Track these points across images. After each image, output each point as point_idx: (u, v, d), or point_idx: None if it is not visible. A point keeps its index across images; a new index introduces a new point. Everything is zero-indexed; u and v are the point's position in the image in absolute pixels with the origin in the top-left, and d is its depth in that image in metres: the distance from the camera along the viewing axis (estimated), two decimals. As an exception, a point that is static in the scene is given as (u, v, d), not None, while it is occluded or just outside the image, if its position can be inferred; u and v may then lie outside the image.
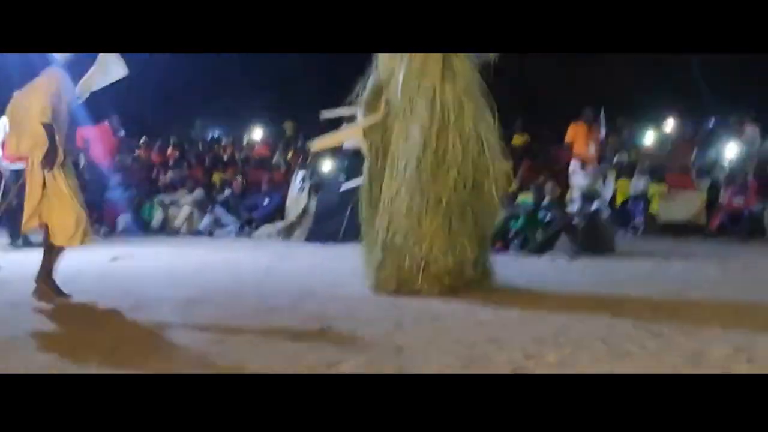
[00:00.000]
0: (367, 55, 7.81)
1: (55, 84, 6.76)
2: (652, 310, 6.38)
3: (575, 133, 14.02)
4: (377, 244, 7.50)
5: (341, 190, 11.90)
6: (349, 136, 8.27)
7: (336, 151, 14.24)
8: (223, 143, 19.38)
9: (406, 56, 7.52)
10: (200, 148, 18.76)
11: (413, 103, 7.47)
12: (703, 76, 19.31)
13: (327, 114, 8.44)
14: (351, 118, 8.27)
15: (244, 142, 19.27)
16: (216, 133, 21.16)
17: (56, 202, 6.76)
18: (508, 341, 5.14)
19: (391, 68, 7.67)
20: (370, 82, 7.85)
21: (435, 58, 7.46)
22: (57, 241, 6.81)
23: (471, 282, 7.38)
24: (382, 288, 7.34)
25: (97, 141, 14.93)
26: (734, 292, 7.58)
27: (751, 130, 17.70)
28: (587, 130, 13.90)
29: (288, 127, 18.95)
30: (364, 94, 7.87)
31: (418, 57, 7.48)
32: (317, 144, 8.97)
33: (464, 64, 7.57)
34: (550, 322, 5.85)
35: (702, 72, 19.15)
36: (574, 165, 13.80)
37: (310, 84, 19.38)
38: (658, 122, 19.22)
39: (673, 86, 19.09)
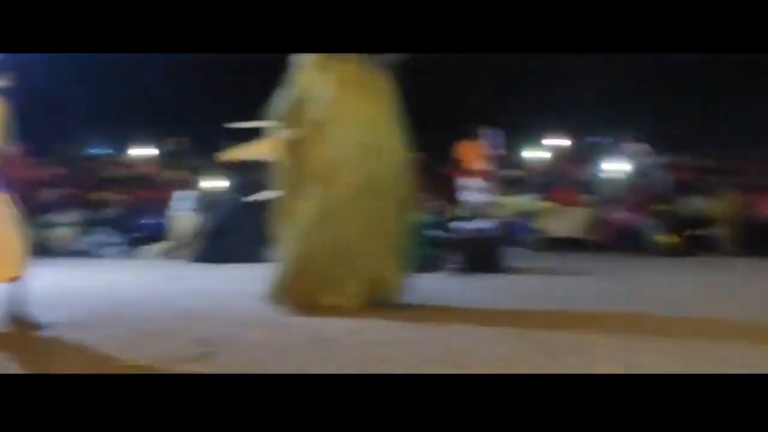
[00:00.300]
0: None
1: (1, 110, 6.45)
2: (542, 326, 6.39)
3: (465, 150, 13.96)
4: (294, 261, 7.43)
5: (249, 201, 11.75)
6: (266, 149, 8.13)
7: (226, 169, 14.07)
8: (107, 160, 18.94)
9: (326, 73, 7.50)
10: (84, 166, 18.28)
11: (336, 122, 7.46)
12: (592, 94, 19.68)
13: (237, 125, 8.30)
14: (257, 131, 8.18)
15: (130, 160, 18.87)
16: (100, 151, 20.65)
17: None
18: (397, 362, 5.05)
19: (312, 85, 7.63)
20: (288, 96, 7.75)
21: (356, 76, 7.48)
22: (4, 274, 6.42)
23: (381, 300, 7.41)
24: (293, 304, 7.27)
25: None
26: (621, 306, 7.68)
27: (636, 147, 18.11)
28: (477, 147, 13.80)
29: (174, 143, 18.62)
30: (281, 108, 7.76)
31: (339, 74, 7.48)
32: (230, 155, 8.81)
33: (385, 83, 7.59)
34: (439, 341, 5.80)
35: (590, 90, 19.51)
36: (464, 182, 13.75)
37: (198, 101, 19.10)
38: (544, 139, 19.54)
39: (559, 103, 19.38)
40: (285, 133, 7.69)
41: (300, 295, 7.33)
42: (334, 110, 7.50)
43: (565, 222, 15.96)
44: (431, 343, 5.73)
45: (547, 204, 16.59)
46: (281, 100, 7.78)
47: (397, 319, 6.74)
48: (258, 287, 7.73)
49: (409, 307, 7.40)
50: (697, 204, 15.42)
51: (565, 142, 19.98)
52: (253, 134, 8.19)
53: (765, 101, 17.96)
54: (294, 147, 7.63)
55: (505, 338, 5.94)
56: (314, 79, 7.62)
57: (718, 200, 15.13)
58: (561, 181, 17.25)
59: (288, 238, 7.59)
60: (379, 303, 7.33)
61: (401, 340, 5.88)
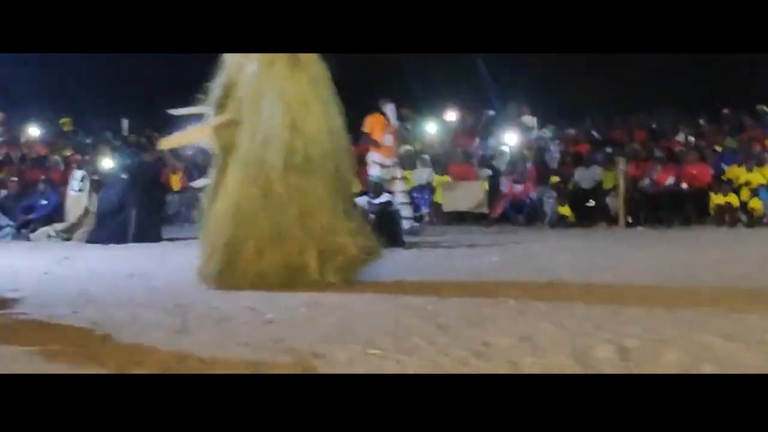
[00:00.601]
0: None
1: None
2: (438, 300, 6.46)
3: (372, 125, 13.43)
4: (222, 240, 7.36)
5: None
6: (199, 135, 8.09)
7: (115, 149, 13.85)
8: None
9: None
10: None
11: (261, 99, 7.41)
12: (484, 68, 19.85)
13: (176, 112, 8.23)
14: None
15: (21, 140, 18.40)
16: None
17: None
18: (296, 341, 5.04)
19: (240, 64, 7.58)
20: (220, 79, 7.71)
21: (286, 56, 7.43)
22: None
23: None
24: (222, 283, 7.26)
25: None
26: (515, 277, 7.82)
27: (528, 120, 18.37)
28: (384, 121, 13.33)
29: (65, 123, 18.21)
30: (214, 93, 7.72)
31: (269, 55, 7.43)
32: (166, 142, 8.71)
33: (312, 59, 7.55)
34: (337, 318, 5.81)
35: (482, 64, 19.68)
36: (371, 157, 13.27)
37: (90, 81, 18.71)
38: (439, 114, 19.64)
39: (454, 78, 19.51)
40: (215, 119, 7.69)
41: (239, 275, 7.29)
42: (259, 92, 7.48)
43: (462, 195, 16.12)
44: (329, 321, 5.73)
45: (444, 178, 16.73)
46: (214, 85, 7.75)
47: (299, 297, 6.75)
48: (153, 266, 7.63)
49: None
50: (590, 175, 15.72)
51: (461, 116, 20.13)
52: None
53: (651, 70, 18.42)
54: (223, 131, 7.61)
55: (403, 312, 5.99)
56: (243, 61, 7.59)
57: (609, 171, 15.45)
58: (457, 155, 17.41)
59: (217, 219, 7.52)
60: (349, 277, 7.41)
61: (300, 318, 5.89)
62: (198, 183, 8.58)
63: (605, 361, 4.30)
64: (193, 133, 8.17)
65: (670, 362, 4.23)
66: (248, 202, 7.34)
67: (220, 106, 7.70)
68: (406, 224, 12.78)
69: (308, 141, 7.40)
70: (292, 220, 7.31)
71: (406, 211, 13.04)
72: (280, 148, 7.32)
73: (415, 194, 15.49)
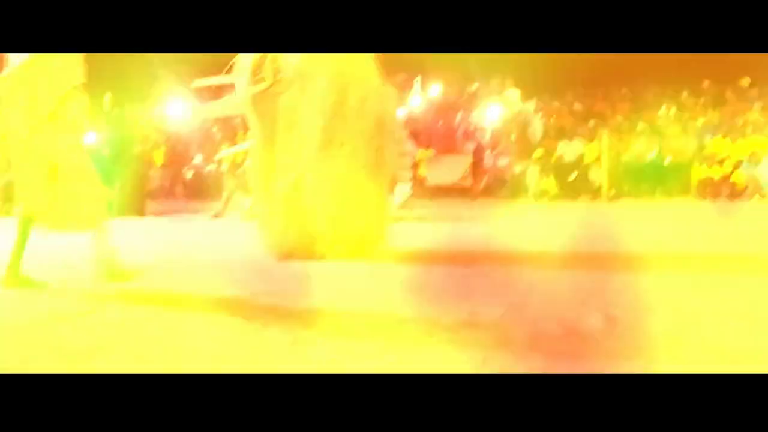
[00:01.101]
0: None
1: None
2: (426, 271, 6.49)
3: None
4: (279, 213, 7.36)
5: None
6: (234, 105, 7.94)
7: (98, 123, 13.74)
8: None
9: None
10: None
11: (310, 72, 7.36)
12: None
13: (201, 83, 8.10)
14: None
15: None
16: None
17: None
18: (286, 310, 5.04)
19: None
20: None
21: None
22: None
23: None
24: (285, 254, 7.30)
25: None
26: (503, 249, 7.84)
27: (512, 93, 18.39)
28: None
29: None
30: (247, 61, 7.59)
31: None
32: (199, 113, 8.55)
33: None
34: (327, 290, 5.82)
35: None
36: None
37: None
38: (423, 87, 19.61)
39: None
40: (252, 88, 7.57)
41: (292, 244, 7.35)
42: (306, 65, 7.41)
43: (445, 169, 16.14)
44: (319, 292, 5.75)
45: (427, 152, 16.75)
46: (245, 55, 7.65)
47: (290, 268, 6.79)
48: (137, 241, 7.56)
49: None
50: (573, 148, 15.76)
51: (444, 90, 20.13)
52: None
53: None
54: (262, 101, 7.51)
55: (392, 283, 6.01)
56: None
57: (593, 143, 15.49)
58: (440, 129, 17.41)
59: (270, 193, 7.49)
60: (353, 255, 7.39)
61: (291, 289, 5.89)
62: (232, 150, 8.36)
63: (594, 330, 4.33)
64: (228, 103, 8.02)
65: (657, 332, 4.26)
66: (315, 175, 7.30)
67: (255, 74, 7.55)
68: (398, 198, 12.81)
69: (352, 118, 7.36)
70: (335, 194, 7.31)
71: (404, 187, 13.05)
72: (328, 124, 7.28)
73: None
